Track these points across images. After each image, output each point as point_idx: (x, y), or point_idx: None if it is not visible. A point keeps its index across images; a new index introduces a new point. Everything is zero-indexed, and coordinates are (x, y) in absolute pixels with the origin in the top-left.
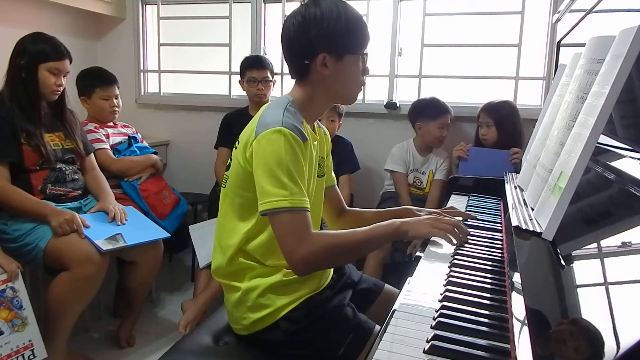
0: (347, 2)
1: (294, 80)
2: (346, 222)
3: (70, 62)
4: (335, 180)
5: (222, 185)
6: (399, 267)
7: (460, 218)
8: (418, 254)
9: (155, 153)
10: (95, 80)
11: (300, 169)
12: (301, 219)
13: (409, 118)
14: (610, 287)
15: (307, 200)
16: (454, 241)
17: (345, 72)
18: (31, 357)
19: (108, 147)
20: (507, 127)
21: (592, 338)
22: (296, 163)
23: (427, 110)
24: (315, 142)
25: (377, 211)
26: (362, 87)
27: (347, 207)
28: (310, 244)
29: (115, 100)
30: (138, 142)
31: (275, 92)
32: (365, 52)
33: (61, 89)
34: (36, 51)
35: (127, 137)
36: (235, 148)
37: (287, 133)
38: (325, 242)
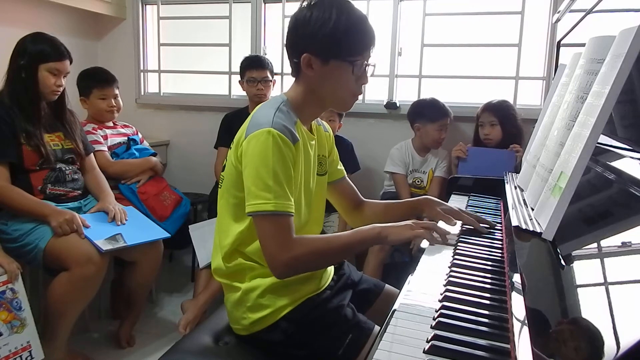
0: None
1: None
2: (364, 214)
3: (71, 63)
4: (345, 173)
5: (219, 185)
6: (399, 267)
7: (487, 225)
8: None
9: (155, 154)
10: (93, 81)
11: (287, 171)
12: (283, 223)
13: (408, 118)
14: (610, 287)
15: (291, 204)
16: (437, 239)
17: (331, 77)
18: (29, 358)
19: (105, 149)
20: (510, 125)
21: (592, 338)
22: (283, 166)
23: (426, 112)
24: (312, 142)
25: (399, 203)
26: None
27: (364, 199)
28: (290, 248)
29: (113, 100)
30: (137, 144)
31: (275, 92)
32: (357, 60)
33: (61, 89)
34: (36, 51)
35: (126, 139)
36: (230, 148)
37: (275, 134)
38: (305, 247)
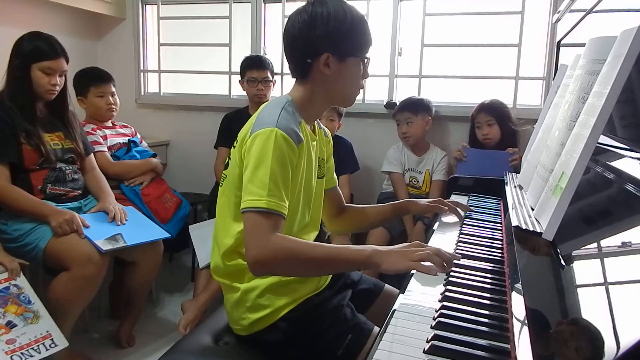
0: (348, 2)
1: (294, 81)
2: (345, 220)
3: (67, 62)
4: (337, 182)
5: (220, 183)
6: None
7: (463, 212)
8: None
9: (155, 155)
10: (89, 79)
11: (285, 173)
12: (269, 220)
13: None
14: (610, 287)
15: (284, 205)
16: (434, 272)
17: (347, 74)
18: (52, 345)
19: (105, 149)
20: (506, 123)
21: (592, 338)
22: (282, 167)
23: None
24: (314, 143)
25: (379, 206)
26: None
27: (346, 204)
28: (265, 244)
29: (111, 98)
30: (138, 146)
31: (275, 92)
32: (367, 56)
33: (57, 88)
34: (29, 50)
35: (126, 139)
36: (234, 147)
37: (279, 134)
38: (280, 246)
